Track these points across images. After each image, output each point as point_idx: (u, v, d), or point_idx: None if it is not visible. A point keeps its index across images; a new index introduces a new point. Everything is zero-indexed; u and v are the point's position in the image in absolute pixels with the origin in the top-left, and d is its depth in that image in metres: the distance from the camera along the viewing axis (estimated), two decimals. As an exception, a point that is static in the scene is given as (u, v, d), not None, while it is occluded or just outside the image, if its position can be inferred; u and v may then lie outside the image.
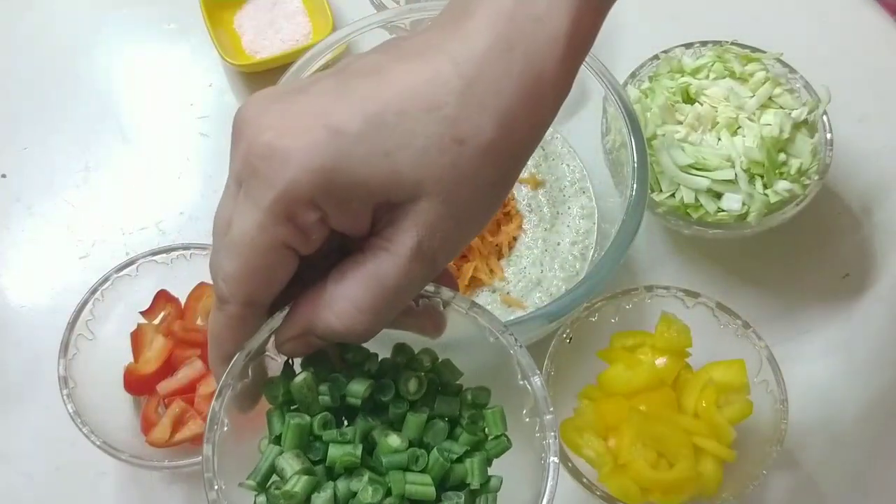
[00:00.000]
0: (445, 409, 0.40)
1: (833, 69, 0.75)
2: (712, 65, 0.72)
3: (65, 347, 0.62)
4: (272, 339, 0.38)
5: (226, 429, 0.38)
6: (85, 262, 0.74)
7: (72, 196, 0.78)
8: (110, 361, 0.64)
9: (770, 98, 0.71)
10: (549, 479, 0.38)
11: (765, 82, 0.71)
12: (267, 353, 0.39)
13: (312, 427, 0.38)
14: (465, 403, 0.40)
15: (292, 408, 0.39)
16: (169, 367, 0.64)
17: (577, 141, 0.72)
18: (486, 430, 0.40)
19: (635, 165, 0.61)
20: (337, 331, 0.36)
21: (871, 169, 0.78)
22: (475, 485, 0.38)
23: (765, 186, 0.67)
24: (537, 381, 0.39)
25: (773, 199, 0.67)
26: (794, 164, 0.68)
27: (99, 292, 0.64)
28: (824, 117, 0.70)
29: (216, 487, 0.37)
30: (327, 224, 0.35)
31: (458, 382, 0.41)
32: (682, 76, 0.73)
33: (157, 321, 0.66)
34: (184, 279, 0.66)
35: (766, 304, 0.72)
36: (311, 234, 0.34)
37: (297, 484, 0.36)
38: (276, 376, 0.40)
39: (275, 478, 0.38)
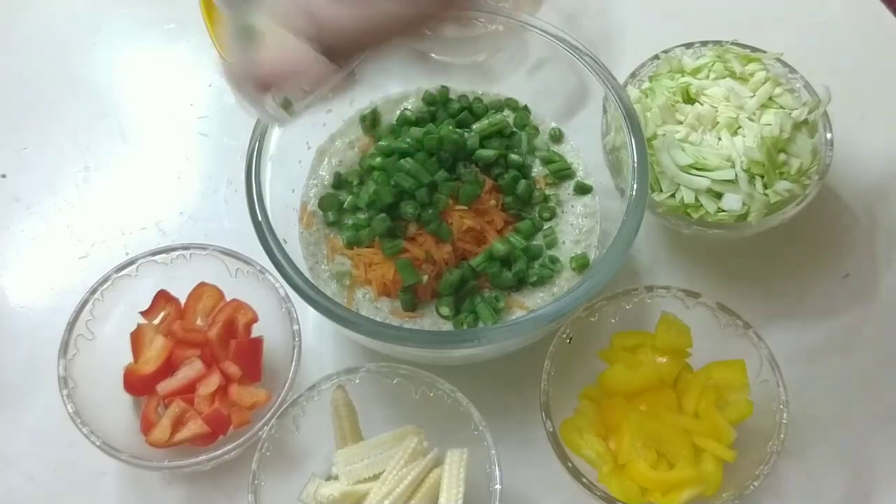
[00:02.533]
0: None
1: (833, 69, 0.75)
2: (712, 65, 0.72)
3: (65, 347, 0.62)
4: None
5: None
6: (85, 262, 0.74)
7: (72, 196, 0.78)
8: (110, 361, 0.64)
9: (770, 98, 0.71)
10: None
11: (765, 82, 0.71)
12: None
13: None
14: None
15: None
16: (169, 367, 0.64)
17: (578, 141, 0.72)
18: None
19: (635, 165, 0.61)
20: None
21: (871, 169, 0.78)
22: None
23: (765, 186, 0.67)
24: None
25: (773, 199, 0.67)
26: (794, 164, 0.68)
27: (99, 292, 0.64)
28: (824, 117, 0.70)
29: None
30: None
31: None
32: (683, 76, 0.73)
33: (157, 321, 0.66)
34: (184, 279, 0.66)
35: (766, 304, 0.72)
36: None
37: None
38: None
39: None
